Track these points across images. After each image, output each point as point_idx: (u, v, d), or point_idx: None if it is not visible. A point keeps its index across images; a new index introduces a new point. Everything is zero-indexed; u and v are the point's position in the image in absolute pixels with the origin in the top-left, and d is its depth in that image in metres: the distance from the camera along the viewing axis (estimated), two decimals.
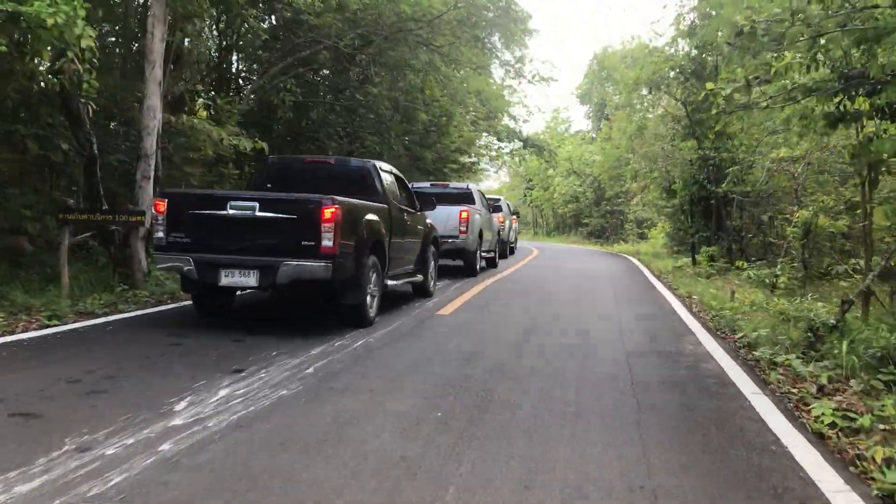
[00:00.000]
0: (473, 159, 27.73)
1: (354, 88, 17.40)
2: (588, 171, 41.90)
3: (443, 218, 12.37)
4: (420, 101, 18.32)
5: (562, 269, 16.60)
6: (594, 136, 46.76)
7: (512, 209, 26.13)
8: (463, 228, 12.55)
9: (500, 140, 31.20)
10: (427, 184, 14.85)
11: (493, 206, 17.73)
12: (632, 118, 19.74)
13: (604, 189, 42.22)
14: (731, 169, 16.03)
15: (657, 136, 20.16)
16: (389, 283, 7.89)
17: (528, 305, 9.64)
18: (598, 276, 15.16)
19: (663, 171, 22.31)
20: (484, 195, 15.90)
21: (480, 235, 13.59)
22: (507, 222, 20.56)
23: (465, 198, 13.96)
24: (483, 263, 15.14)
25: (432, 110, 19.19)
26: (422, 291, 9.61)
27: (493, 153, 31.74)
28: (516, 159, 33.77)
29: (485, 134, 30.16)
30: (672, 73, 16.53)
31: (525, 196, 52.94)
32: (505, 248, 20.11)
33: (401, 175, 9.19)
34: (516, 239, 26.58)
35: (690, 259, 18.66)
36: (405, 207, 8.68)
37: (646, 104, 18.68)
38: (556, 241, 45.32)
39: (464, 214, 12.56)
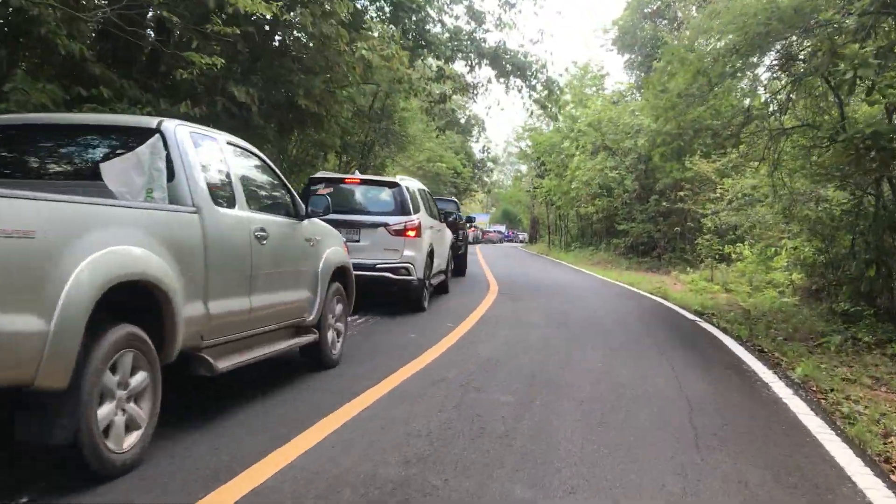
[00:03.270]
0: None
1: None
2: (629, 146, 25.15)
3: None
4: None
5: None
6: (639, 94, 29.93)
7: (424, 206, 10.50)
8: None
9: (438, 57, 14.74)
10: None
11: None
12: None
13: (654, 174, 25.46)
14: None
15: None
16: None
17: None
18: None
19: None
20: None
21: None
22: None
23: None
24: None
25: None
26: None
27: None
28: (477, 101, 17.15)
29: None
30: None
31: (534, 189, 36.48)
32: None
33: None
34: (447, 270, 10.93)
35: None
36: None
37: None
38: (573, 259, 28.55)
39: None
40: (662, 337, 8.55)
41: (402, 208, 9.09)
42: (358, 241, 8.93)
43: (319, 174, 9.59)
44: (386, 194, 9.21)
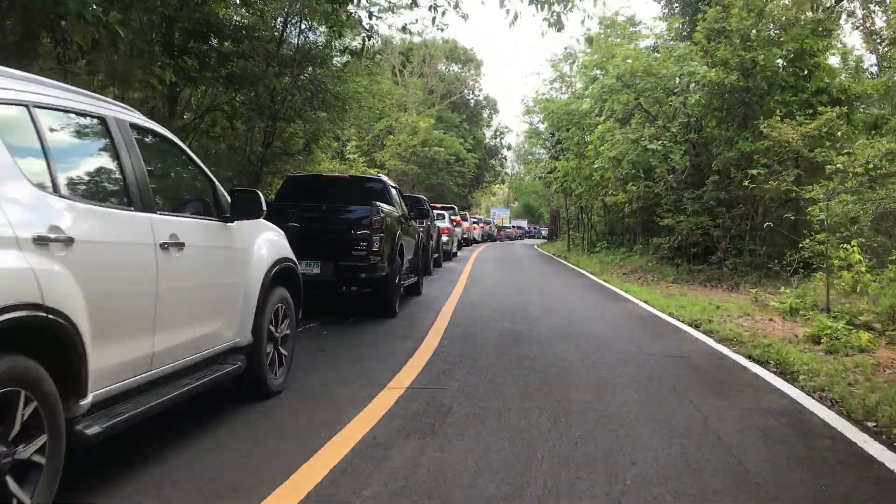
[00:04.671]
0: None
1: None
2: (674, 105, 17.86)
3: None
4: None
5: None
6: (682, 40, 22.50)
7: None
8: None
9: None
10: None
11: None
12: None
13: (709, 148, 18.12)
14: None
15: None
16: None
17: None
18: None
19: None
20: None
21: None
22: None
23: None
24: None
25: None
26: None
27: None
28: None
29: None
30: None
31: (547, 174, 29.30)
32: None
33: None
34: None
35: None
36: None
37: None
38: (598, 266, 21.31)
39: None
40: None
41: None
42: None
43: None
44: None
